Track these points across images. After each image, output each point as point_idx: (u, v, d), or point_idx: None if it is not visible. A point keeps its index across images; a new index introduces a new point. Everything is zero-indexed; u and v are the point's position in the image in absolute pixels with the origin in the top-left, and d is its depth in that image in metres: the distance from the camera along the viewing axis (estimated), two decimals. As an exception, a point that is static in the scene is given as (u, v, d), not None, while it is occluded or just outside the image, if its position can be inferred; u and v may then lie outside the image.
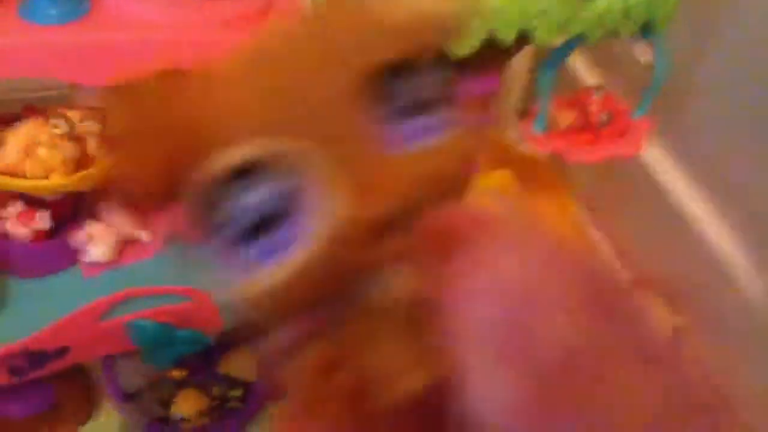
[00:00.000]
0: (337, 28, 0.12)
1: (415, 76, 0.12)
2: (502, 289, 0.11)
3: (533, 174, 0.74)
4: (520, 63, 0.78)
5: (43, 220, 0.50)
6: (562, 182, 0.75)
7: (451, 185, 0.13)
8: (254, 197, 0.11)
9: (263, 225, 0.11)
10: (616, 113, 0.58)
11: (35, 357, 0.48)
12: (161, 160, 0.11)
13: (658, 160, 0.70)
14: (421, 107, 0.12)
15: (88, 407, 0.61)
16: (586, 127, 0.58)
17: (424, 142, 0.12)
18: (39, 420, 0.57)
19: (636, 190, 0.73)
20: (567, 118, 0.57)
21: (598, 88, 0.58)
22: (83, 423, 0.60)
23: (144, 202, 0.12)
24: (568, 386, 0.11)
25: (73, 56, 0.41)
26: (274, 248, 0.11)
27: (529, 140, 0.57)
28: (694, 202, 0.66)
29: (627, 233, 0.77)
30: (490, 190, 0.59)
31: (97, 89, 0.49)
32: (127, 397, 0.58)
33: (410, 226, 0.12)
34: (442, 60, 0.13)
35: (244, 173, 0.11)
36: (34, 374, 0.49)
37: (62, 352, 0.48)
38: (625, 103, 0.59)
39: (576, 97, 0.58)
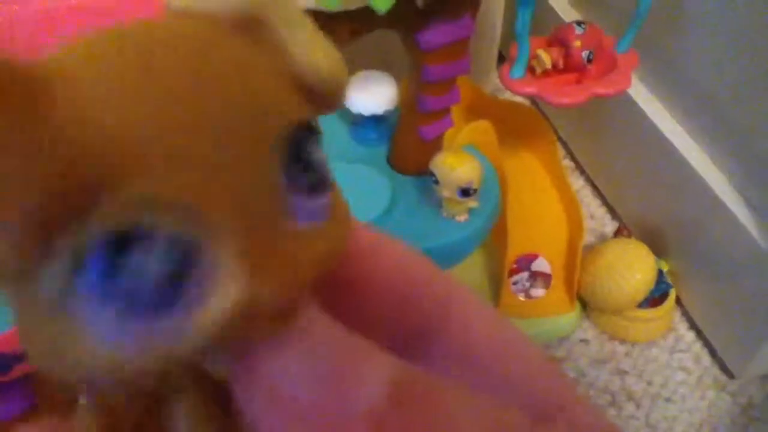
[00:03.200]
0: (261, 68, 0.10)
1: (314, 150, 0.11)
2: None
3: (514, 122, 0.71)
4: (496, 5, 0.74)
5: None
6: (545, 129, 0.72)
7: (327, 270, 0.11)
8: (138, 261, 0.09)
9: (142, 298, 0.09)
10: (599, 49, 0.54)
11: (1, 360, 0.45)
12: (31, 201, 0.08)
13: (644, 97, 0.67)
14: (317, 186, 0.11)
15: (65, 408, 0.58)
16: (569, 67, 0.54)
17: (312, 224, 0.11)
18: (18, 422, 0.55)
19: (621, 130, 0.70)
20: (548, 58, 0.53)
21: (579, 23, 0.54)
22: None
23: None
24: (396, 428, 0.10)
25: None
26: (161, 317, 0.09)
27: (509, 85, 0.54)
28: (682, 139, 0.64)
29: (612, 177, 0.75)
30: (468, 143, 0.56)
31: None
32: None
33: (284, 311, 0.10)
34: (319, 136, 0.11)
35: (143, 223, 0.09)
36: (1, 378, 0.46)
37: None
38: (609, 38, 0.55)
39: (556, 34, 0.55)
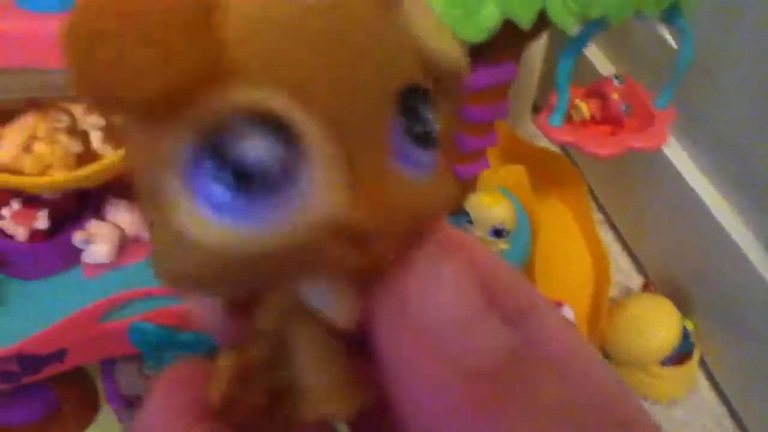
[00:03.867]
0: (386, 27, 0.12)
1: (428, 110, 0.12)
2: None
3: (547, 169, 0.72)
4: (535, 53, 0.76)
5: (40, 220, 0.47)
6: (577, 178, 0.73)
7: (423, 228, 0.12)
8: (253, 150, 0.10)
9: (250, 182, 0.10)
10: (637, 104, 0.55)
11: (29, 361, 0.46)
12: (170, 70, 0.10)
13: (677, 153, 0.67)
14: (427, 139, 0.12)
15: (89, 412, 0.59)
16: (606, 119, 0.55)
17: (416, 175, 0.12)
18: (39, 425, 0.56)
19: (652, 185, 0.71)
20: (587, 108, 0.54)
21: (618, 76, 0.56)
22: (84, 428, 0.58)
23: (137, 115, 0.10)
24: (502, 391, 0.11)
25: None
26: (257, 210, 0.10)
27: (547, 132, 0.55)
28: (713, 198, 0.64)
29: (641, 232, 0.75)
30: (502, 186, 0.57)
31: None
32: (127, 403, 0.56)
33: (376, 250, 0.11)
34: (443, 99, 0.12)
35: (252, 121, 0.10)
36: (28, 379, 0.47)
37: (59, 355, 0.46)
38: (647, 93, 0.56)
39: (596, 86, 0.56)
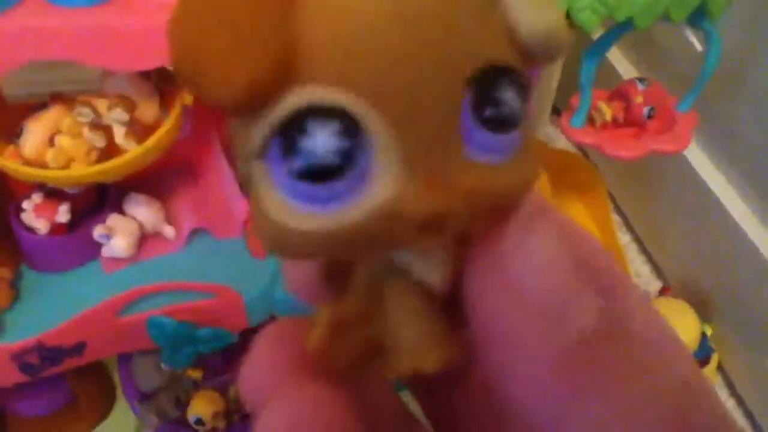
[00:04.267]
0: (467, 14, 0.12)
1: (506, 90, 0.12)
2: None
3: (566, 171, 0.71)
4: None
5: (61, 213, 0.48)
6: (597, 180, 0.73)
7: (505, 209, 0.12)
8: (322, 141, 0.11)
9: (318, 172, 0.11)
10: (661, 107, 0.55)
11: (50, 353, 0.46)
12: (254, 66, 0.11)
13: (698, 157, 0.67)
14: (500, 123, 0.12)
15: (105, 404, 0.59)
16: (628, 121, 0.55)
17: (491, 158, 0.12)
18: (55, 418, 0.56)
19: (672, 189, 0.70)
20: (609, 110, 0.54)
21: (642, 79, 0.55)
22: (100, 421, 0.59)
23: (225, 108, 0.11)
24: (592, 366, 0.11)
25: (102, 40, 0.39)
26: (323, 197, 0.11)
27: (568, 133, 0.54)
28: (734, 203, 0.63)
29: (660, 236, 0.74)
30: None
31: (126, 76, 0.47)
32: (143, 397, 0.56)
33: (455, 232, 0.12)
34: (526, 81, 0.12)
35: (321, 114, 0.11)
36: (48, 372, 0.47)
37: (78, 348, 0.47)
38: (670, 96, 0.56)
39: (619, 89, 0.55)
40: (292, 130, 0.11)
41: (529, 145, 0.12)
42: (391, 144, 0.11)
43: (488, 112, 0.11)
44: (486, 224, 0.12)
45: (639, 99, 0.54)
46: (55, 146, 0.44)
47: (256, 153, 0.11)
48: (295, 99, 0.11)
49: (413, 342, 0.13)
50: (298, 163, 0.10)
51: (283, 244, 0.12)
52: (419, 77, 0.11)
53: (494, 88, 0.11)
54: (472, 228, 0.12)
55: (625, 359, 0.11)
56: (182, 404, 0.57)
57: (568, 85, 0.54)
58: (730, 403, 0.64)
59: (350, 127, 0.10)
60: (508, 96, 0.11)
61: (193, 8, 0.11)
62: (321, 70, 0.11)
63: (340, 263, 0.14)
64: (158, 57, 0.40)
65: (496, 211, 0.12)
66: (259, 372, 0.14)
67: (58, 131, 0.44)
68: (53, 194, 0.48)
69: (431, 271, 0.13)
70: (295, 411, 0.13)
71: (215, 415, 0.55)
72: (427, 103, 0.11)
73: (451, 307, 0.13)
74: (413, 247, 0.12)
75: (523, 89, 0.12)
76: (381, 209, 0.11)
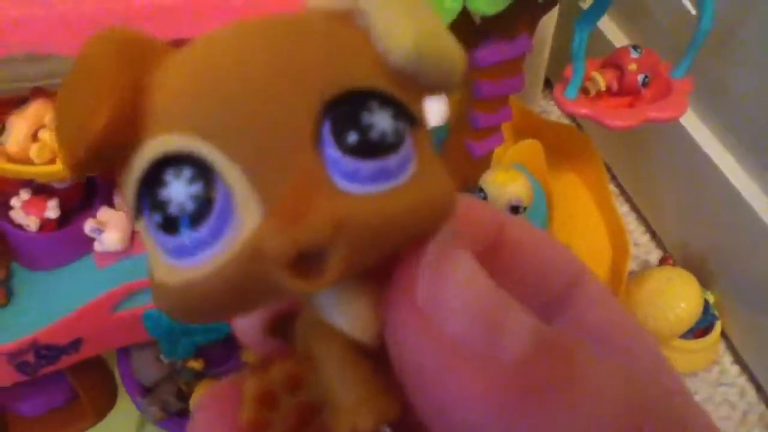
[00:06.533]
0: (316, 39, 0.11)
1: (375, 114, 0.11)
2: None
3: (561, 143, 0.70)
4: (546, 26, 0.74)
5: (51, 209, 0.47)
6: (592, 151, 0.72)
7: (405, 233, 0.11)
8: (176, 189, 0.11)
9: (178, 223, 0.11)
10: (655, 74, 0.54)
11: (46, 352, 0.45)
12: (98, 124, 0.11)
13: (694, 124, 0.66)
14: (370, 148, 0.11)
15: (107, 400, 0.59)
16: (622, 90, 0.54)
17: (365, 186, 0.11)
18: (56, 415, 0.56)
19: (669, 156, 0.70)
20: (603, 80, 0.53)
21: (635, 46, 0.54)
22: (102, 418, 0.58)
23: (72, 168, 0.11)
24: (531, 383, 0.11)
25: (82, 30, 0.38)
26: (191, 247, 0.11)
27: (563, 105, 0.53)
28: (732, 168, 0.62)
29: (658, 204, 0.74)
30: (517, 161, 0.55)
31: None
32: (144, 391, 0.56)
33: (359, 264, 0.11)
34: (403, 102, 0.11)
35: (174, 163, 0.11)
36: (45, 370, 0.46)
37: (75, 345, 0.46)
38: (664, 62, 0.55)
39: (612, 57, 0.54)
40: (152, 183, 0.11)
41: (430, 167, 0.12)
42: (245, 183, 0.10)
43: (351, 138, 0.11)
44: (397, 257, 0.11)
45: (633, 67, 0.53)
46: (38, 141, 0.43)
47: (134, 212, 0.11)
48: (149, 150, 0.11)
49: (348, 400, 0.12)
50: (158, 216, 0.11)
51: (175, 305, 0.11)
52: (263, 116, 0.11)
53: (357, 114, 0.11)
54: (380, 263, 0.11)
55: (566, 375, 0.11)
56: (185, 396, 0.56)
57: (560, 57, 0.53)
58: (734, 369, 0.64)
59: (202, 171, 0.10)
60: (377, 119, 0.11)
61: (63, 85, 0.12)
62: (170, 119, 0.11)
63: (283, 315, 0.13)
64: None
65: (403, 240, 0.11)
66: None
67: (42, 126, 0.43)
68: (41, 190, 0.47)
69: (358, 323, 0.12)
70: None
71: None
72: (276, 139, 0.11)
73: (388, 358, 0.12)
74: (297, 289, 0.11)
75: (402, 112, 0.11)
76: (244, 249, 0.10)
